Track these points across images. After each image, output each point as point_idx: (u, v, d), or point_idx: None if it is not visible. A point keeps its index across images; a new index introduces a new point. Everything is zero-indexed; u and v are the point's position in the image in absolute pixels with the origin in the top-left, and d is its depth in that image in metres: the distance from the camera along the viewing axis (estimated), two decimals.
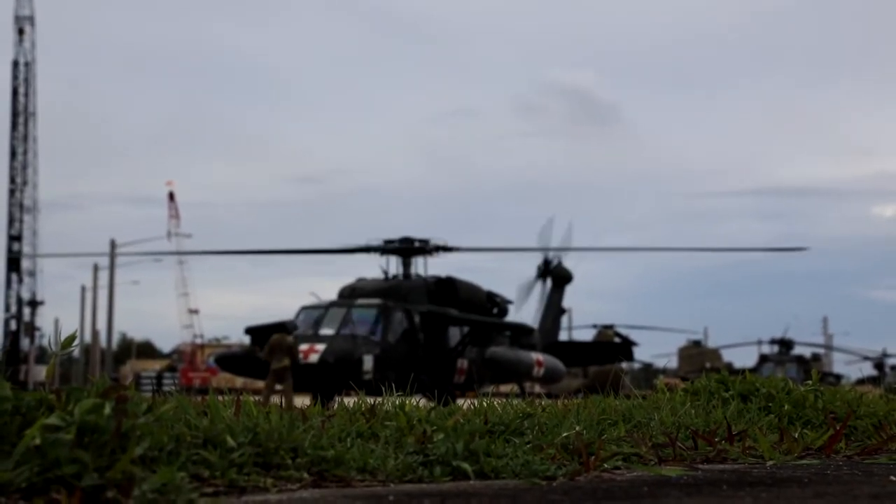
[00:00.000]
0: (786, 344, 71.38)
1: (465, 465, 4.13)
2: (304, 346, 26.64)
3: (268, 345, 24.91)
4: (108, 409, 3.27)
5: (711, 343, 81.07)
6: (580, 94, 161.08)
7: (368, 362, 26.81)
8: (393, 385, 5.56)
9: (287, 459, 3.80)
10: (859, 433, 6.44)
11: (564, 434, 4.87)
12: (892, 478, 4.59)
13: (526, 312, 37.95)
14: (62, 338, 3.89)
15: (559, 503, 3.53)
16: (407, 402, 5.10)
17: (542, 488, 3.88)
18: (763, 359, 68.16)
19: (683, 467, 4.77)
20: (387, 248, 32.35)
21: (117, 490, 3.10)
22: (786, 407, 6.86)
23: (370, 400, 5.25)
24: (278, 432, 3.83)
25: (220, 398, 4.69)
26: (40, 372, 59.74)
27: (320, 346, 26.59)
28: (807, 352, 74.72)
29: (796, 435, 5.97)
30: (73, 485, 3.08)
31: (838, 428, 6.00)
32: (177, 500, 3.13)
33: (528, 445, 4.69)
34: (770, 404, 6.89)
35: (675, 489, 3.95)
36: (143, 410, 3.48)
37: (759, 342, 74.53)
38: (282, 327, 25.86)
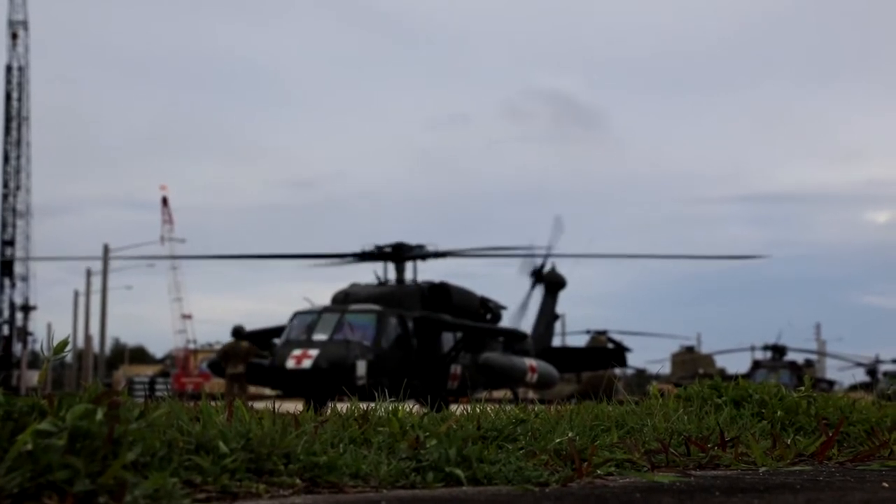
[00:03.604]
0: (779, 350, 71.32)
1: (458, 471, 4.12)
2: (296, 352, 26.66)
3: (221, 350, 26.04)
4: (100, 415, 3.26)
5: (704, 349, 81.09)
6: (570, 100, 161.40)
7: (362, 368, 26.78)
8: (386, 391, 5.56)
9: (279, 465, 3.80)
10: (851, 439, 6.45)
11: (557, 440, 4.88)
12: (885, 484, 4.60)
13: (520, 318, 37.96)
14: (55, 343, 3.89)
15: None
16: (400, 407, 5.10)
17: (535, 494, 3.88)
18: (756, 365, 68.06)
19: (676, 473, 4.77)
20: (380, 254, 32.35)
21: (109, 496, 3.10)
22: (778, 413, 6.85)
23: (363, 406, 5.24)
24: (271, 438, 3.83)
25: (212, 404, 4.68)
26: (33, 377, 59.61)
27: (313, 352, 26.57)
28: (800, 358, 74.73)
29: (789, 441, 5.98)
30: (64, 490, 3.08)
31: (831, 434, 6.01)
32: None
33: (521, 451, 4.69)
34: (763, 410, 6.89)
35: (668, 495, 3.95)
36: (135, 416, 3.47)
37: (752, 348, 74.53)
38: (238, 333, 26.49)
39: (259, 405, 5.46)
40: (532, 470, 4.30)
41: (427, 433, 4.47)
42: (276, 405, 5.21)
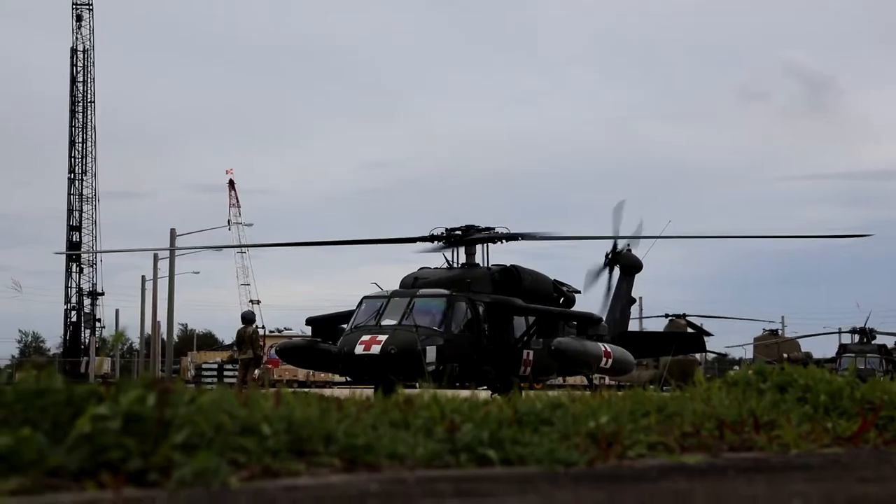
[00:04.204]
0: (866, 333, 69.88)
1: (490, 453, 4.35)
2: (365, 338, 26.89)
3: (236, 338, 26.73)
4: (151, 400, 3.57)
5: (789, 332, 79.88)
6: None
7: (431, 353, 26.90)
8: (457, 376, 5.73)
9: (320, 446, 4.07)
10: None
11: (591, 424, 5.09)
12: None
13: (594, 301, 37.90)
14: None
15: (565, 486, 3.76)
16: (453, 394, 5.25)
17: (557, 473, 4.11)
18: (843, 349, 66.74)
19: (705, 455, 4.95)
20: (450, 237, 32.50)
21: (159, 473, 3.41)
22: (822, 398, 6.99)
23: (434, 391, 5.36)
24: (311, 421, 4.11)
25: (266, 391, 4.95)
26: (102, 363, 60.11)
27: (382, 337, 26.77)
28: (890, 341, 73.07)
29: (829, 425, 6.12)
30: (119, 468, 3.40)
31: (869, 418, 6.14)
32: (213, 482, 3.43)
33: (557, 435, 4.90)
34: (806, 395, 7.04)
35: (682, 473, 4.16)
36: (185, 401, 3.78)
37: (839, 331, 73.09)
38: (246, 319, 26.99)
39: (327, 392, 5.69)
40: (564, 452, 4.51)
41: (463, 417, 4.71)
42: (350, 391, 5.40)
